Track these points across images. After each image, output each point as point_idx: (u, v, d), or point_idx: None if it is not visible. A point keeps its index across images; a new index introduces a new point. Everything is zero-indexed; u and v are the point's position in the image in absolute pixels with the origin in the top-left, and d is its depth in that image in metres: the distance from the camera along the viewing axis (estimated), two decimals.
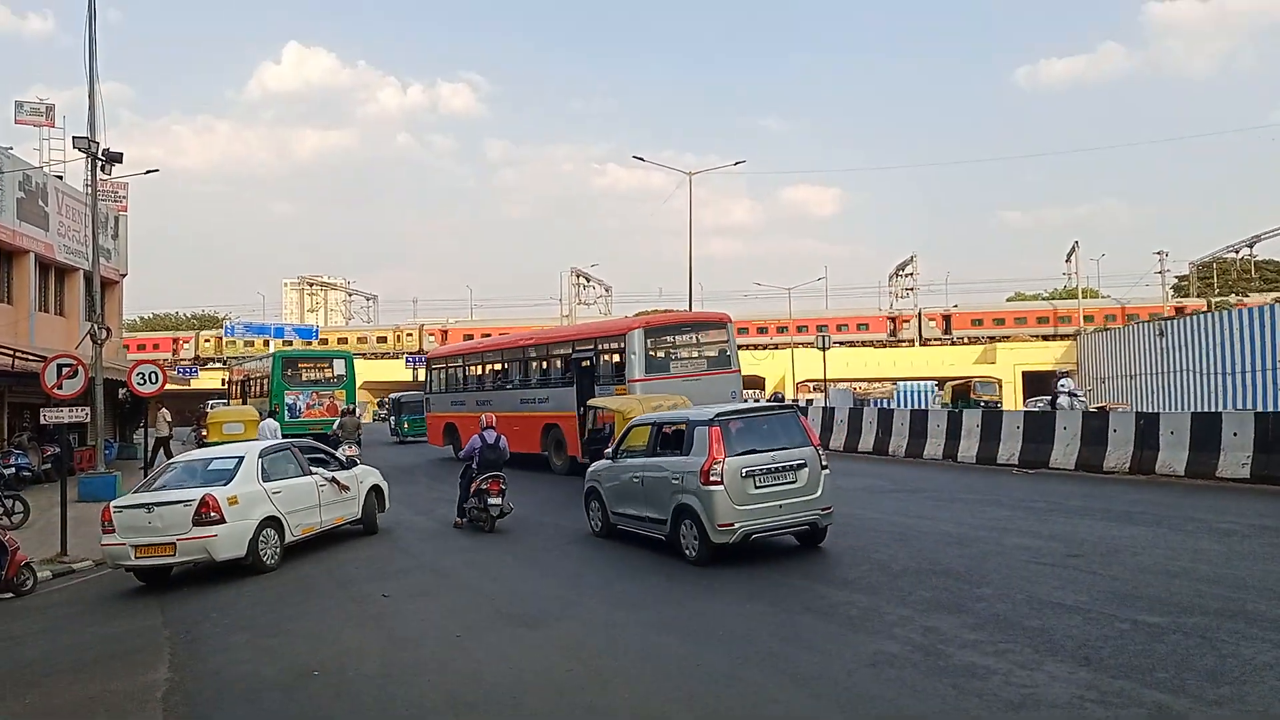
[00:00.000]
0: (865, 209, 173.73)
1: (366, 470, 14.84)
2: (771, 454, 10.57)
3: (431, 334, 73.45)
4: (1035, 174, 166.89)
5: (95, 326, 20.32)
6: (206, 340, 78.65)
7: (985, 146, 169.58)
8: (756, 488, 10.36)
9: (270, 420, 22.14)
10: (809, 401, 32.09)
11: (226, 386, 41.73)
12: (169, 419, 28.41)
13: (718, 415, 10.84)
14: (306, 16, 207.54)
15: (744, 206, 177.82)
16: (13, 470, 20.32)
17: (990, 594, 8.42)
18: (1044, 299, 77.22)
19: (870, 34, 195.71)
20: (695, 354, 19.90)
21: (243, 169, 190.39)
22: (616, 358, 19.52)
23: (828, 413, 26.76)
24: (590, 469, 13.44)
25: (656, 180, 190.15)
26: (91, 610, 10.81)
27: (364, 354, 70.63)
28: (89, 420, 17.07)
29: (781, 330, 69.12)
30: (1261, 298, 58.44)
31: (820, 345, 38.12)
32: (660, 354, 19.35)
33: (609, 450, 13.02)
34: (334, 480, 13.60)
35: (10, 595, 11.49)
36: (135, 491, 12.45)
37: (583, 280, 76.49)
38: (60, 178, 28.98)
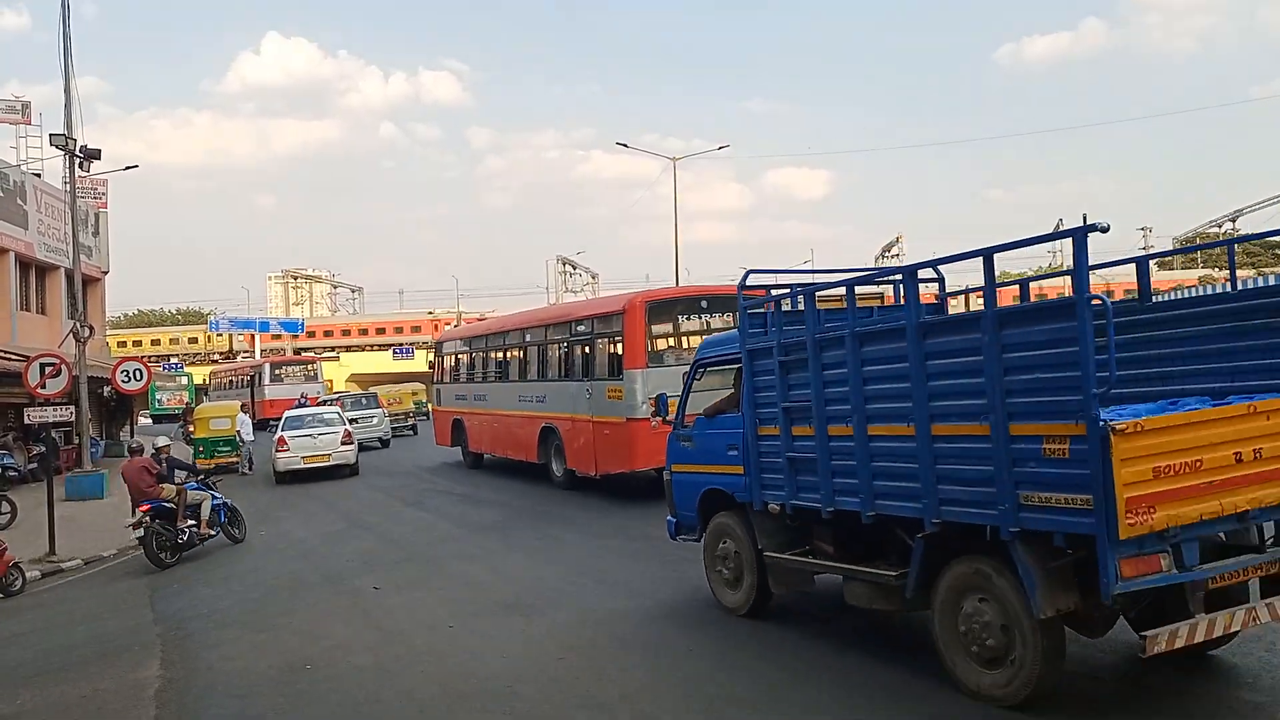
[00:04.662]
0: (852, 190, 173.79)
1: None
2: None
3: (242, 335, 74.60)
4: (1019, 152, 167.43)
5: (78, 324, 20.15)
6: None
7: (970, 125, 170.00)
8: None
9: (243, 415, 25.77)
10: None
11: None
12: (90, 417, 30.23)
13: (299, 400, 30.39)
14: (285, 6, 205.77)
15: (731, 190, 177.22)
16: None
17: None
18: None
19: (853, 15, 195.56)
20: (300, 374, 42.94)
21: (224, 162, 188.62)
22: (261, 376, 42.71)
23: None
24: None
25: (642, 166, 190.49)
26: (81, 609, 10.74)
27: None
28: (74, 419, 16.96)
29: None
30: (1244, 272, 58.70)
31: None
32: (279, 374, 42.42)
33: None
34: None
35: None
36: (283, 430, 21.73)
37: (569, 268, 76.23)
38: (38, 175, 28.65)
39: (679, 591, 8.71)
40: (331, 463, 21.06)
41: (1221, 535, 5.36)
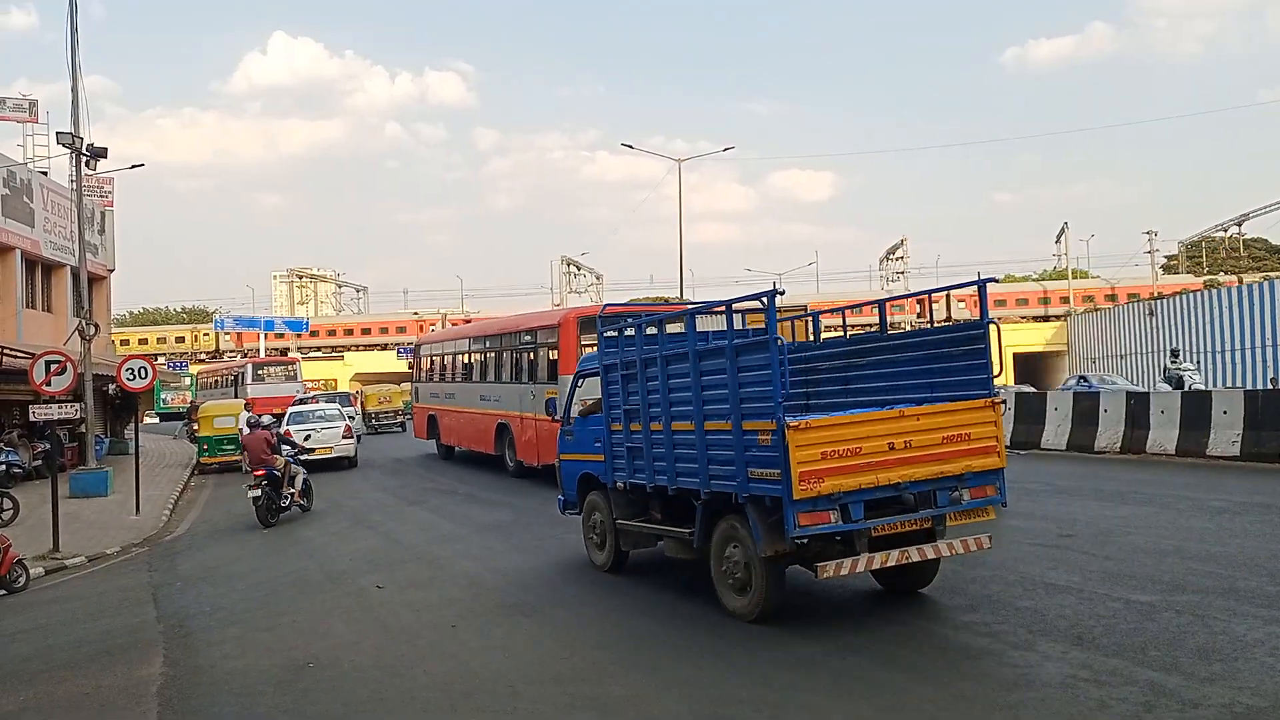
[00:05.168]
0: (857, 192, 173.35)
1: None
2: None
3: (227, 332, 75.82)
4: (1026, 155, 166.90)
5: (83, 322, 20.20)
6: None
7: (975, 128, 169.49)
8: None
9: (245, 411, 25.46)
10: None
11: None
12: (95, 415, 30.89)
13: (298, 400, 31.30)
14: (292, 6, 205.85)
15: (736, 192, 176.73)
16: (3, 467, 20.19)
17: (984, 575, 8.45)
18: (1034, 280, 77.32)
19: (857, 17, 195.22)
20: (280, 374, 42.16)
21: (230, 161, 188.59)
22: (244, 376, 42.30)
23: None
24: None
25: (647, 167, 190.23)
26: (85, 606, 10.77)
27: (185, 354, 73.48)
28: (79, 416, 16.99)
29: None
30: (1242, 276, 58.59)
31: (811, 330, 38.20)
32: (262, 375, 41.48)
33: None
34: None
35: (3, 592, 11.44)
36: (288, 424, 22.49)
37: (574, 269, 76.33)
38: (45, 174, 28.70)
39: (681, 593, 8.71)
40: (334, 454, 22.82)
41: (911, 498, 7.27)
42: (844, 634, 7.10)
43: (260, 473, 15.01)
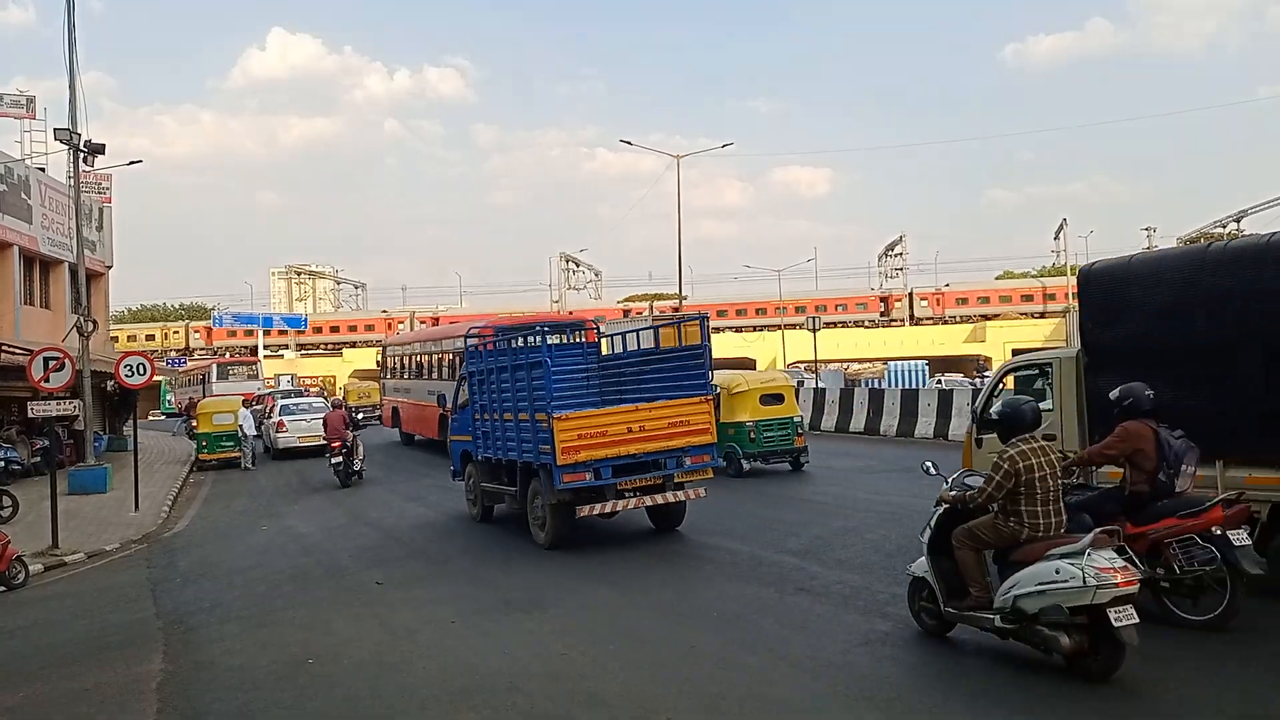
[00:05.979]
0: (856, 189, 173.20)
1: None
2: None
3: (196, 330, 77.06)
4: (1025, 152, 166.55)
5: (81, 319, 20.17)
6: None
7: (975, 125, 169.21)
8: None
9: (244, 409, 26.36)
10: (800, 383, 32.33)
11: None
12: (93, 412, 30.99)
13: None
14: (291, 2, 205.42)
15: (735, 189, 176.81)
16: (2, 464, 20.16)
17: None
18: (1033, 276, 77.27)
19: (858, 13, 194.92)
20: (243, 373, 47.54)
21: (228, 158, 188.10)
22: (210, 375, 47.31)
23: (819, 393, 26.71)
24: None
25: (646, 164, 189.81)
26: (84, 603, 10.75)
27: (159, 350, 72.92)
28: (77, 413, 16.95)
29: (778, 311, 69.18)
30: None
31: (810, 327, 38.18)
32: (226, 375, 46.73)
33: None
34: None
35: (2, 589, 11.44)
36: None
37: (572, 265, 76.34)
38: (43, 170, 28.60)
39: (681, 591, 8.71)
40: (320, 441, 23.75)
41: (664, 463, 10.69)
42: (845, 629, 7.10)
43: (337, 444, 18.83)
